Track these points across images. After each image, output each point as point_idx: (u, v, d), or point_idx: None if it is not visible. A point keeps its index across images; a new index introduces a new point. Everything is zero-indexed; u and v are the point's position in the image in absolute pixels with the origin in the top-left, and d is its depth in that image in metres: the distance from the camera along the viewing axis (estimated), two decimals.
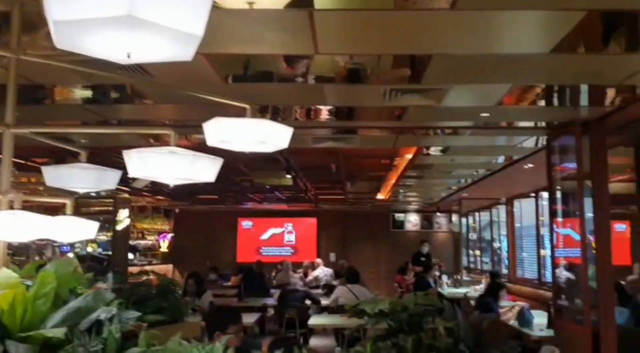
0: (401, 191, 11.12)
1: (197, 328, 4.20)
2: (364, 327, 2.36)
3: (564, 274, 5.80)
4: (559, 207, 5.66)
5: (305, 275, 12.58)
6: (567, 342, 5.00)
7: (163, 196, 11.95)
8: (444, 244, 16.51)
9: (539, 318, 6.29)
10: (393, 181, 10.09)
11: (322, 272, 12.12)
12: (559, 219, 5.64)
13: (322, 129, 5.60)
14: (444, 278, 12.93)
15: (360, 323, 2.45)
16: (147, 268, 14.89)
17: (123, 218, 13.55)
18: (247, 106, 3.20)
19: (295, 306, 8.15)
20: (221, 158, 2.60)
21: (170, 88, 4.04)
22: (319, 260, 12.91)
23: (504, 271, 11.62)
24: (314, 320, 6.86)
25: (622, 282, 6.90)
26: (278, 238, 17.08)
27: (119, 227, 13.46)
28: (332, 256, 16.22)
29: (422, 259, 13.43)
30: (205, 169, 2.55)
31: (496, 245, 13.02)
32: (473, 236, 14.82)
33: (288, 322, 8.06)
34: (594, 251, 4.80)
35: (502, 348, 2.24)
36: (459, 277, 12.37)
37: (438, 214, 15.92)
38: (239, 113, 3.13)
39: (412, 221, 16.90)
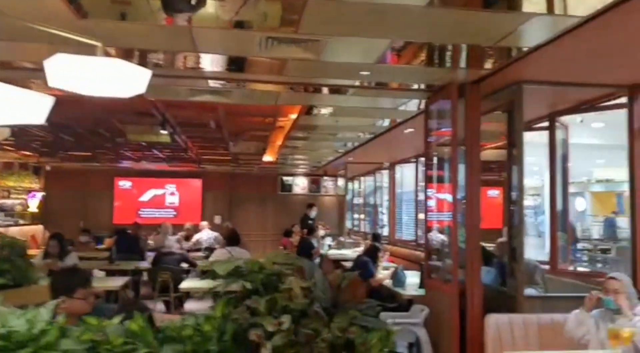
0: (288, 153, 10.97)
1: (46, 291, 3.80)
2: (214, 290, 2.16)
3: (437, 236, 5.95)
4: (434, 172, 5.74)
5: (189, 238, 12.19)
6: (436, 300, 5.11)
7: (30, 152, 10.92)
8: (331, 207, 16.72)
9: (414, 278, 6.44)
10: (279, 142, 9.90)
11: (206, 235, 11.77)
12: (434, 184, 5.73)
13: (199, 81, 5.24)
14: (328, 240, 13.09)
15: (212, 286, 2.23)
16: (14, 229, 13.75)
17: None
18: (97, 44, 2.82)
19: (169, 270, 7.80)
20: (52, 97, 2.23)
21: (13, 20, 3.51)
22: (203, 223, 12.52)
23: (386, 234, 11.94)
24: (186, 284, 6.56)
25: (485, 244, 7.26)
26: (159, 199, 16.42)
27: None
28: (218, 219, 15.89)
29: (310, 222, 13.49)
30: (32, 109, 2.17)
31: (380, 209, 13.32)
32: (359, 200, 15.09)
33: (162, 285, 7.72)
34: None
35: (359, 308, 2.11)
36: (342, 239, 12.53)
37: (325, 178, 16.03)
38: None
39: (300, 184, 16.92)
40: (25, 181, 14.90)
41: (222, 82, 5.25)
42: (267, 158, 12.02)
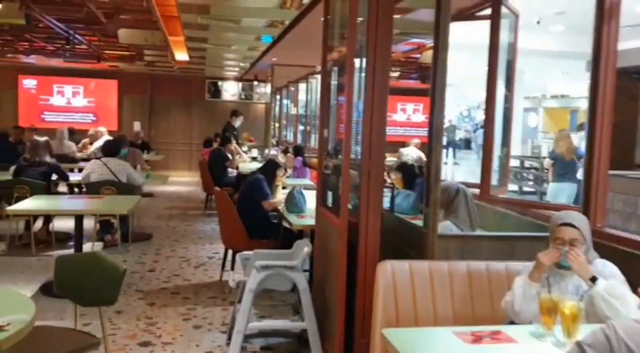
0: (197, 47, 9.26)
1: None
2: None
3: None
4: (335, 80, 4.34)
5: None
6: (325, 232, 3.87)
7: None
8: (263, 117, 15.25)
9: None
10: (182, 37, 8.24)
11: None
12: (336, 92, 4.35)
13: None
14: (254, 152, 11.77)
15: None
16: None
17: None
18: None
19: (27, 183, 6.32)
20: None
21: None
22: (102, 129, 10.92)
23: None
24: (21, 205, 5.05)
25: (410, 160, 6.05)
26: (69, 101, 14.56)
27: None
28: (137, 126, 14.23)
29: (235, 132, 12.05)
30: None
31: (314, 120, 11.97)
32: (293, 109, 13.66)
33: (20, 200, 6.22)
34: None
35: None
36: (267, 152, 11.19)
37: (256, 83, 14.37)
38: None
39: (230, 90, 15.26)
40: None
41: None
42: (181, 56, 10.32)
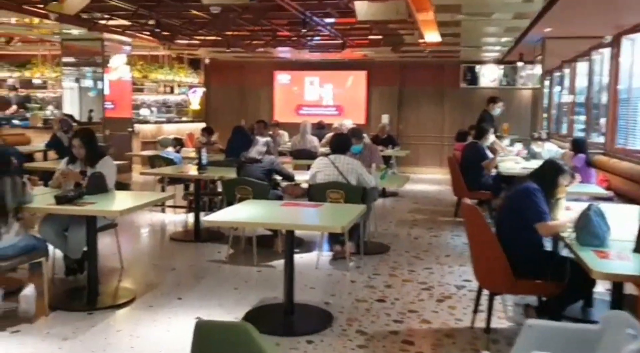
0: (449, 22, 7.72)
1: None
2: None
3: None
4: None
5: None
6: None
7: (147, 33, 9.28)
8: (528, 105, 13.01)
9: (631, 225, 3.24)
10: (430, 14, 6.84)
11: None
12: None
13: None
14: (517, 146, 9.79)
15: None
16: (169, 126, 12.88)
17: (118, 65, 11.27)
18: None
19: (251, 184, 5.57)
20: None
21: None
22: (346, 122, 10.11)
23: (601, 140, 8.31)
24: (213, 217, 4.08)
25: None
26: (321, 95, 14.28)
27: (114, 76, 11.24)
28: (385, 118, 13.29)
29: (493, 123, 10.21)
30: None
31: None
32: (568, 96, 11.21)
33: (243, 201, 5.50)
34: None
35: None
36: (535, 148, 9.11)
37: (520, 64, 12.16)
38: None
39: (489, 75, 13.35)
40: (180, 74, 13.78)
41: None
42: (432, 36, 8.91)
